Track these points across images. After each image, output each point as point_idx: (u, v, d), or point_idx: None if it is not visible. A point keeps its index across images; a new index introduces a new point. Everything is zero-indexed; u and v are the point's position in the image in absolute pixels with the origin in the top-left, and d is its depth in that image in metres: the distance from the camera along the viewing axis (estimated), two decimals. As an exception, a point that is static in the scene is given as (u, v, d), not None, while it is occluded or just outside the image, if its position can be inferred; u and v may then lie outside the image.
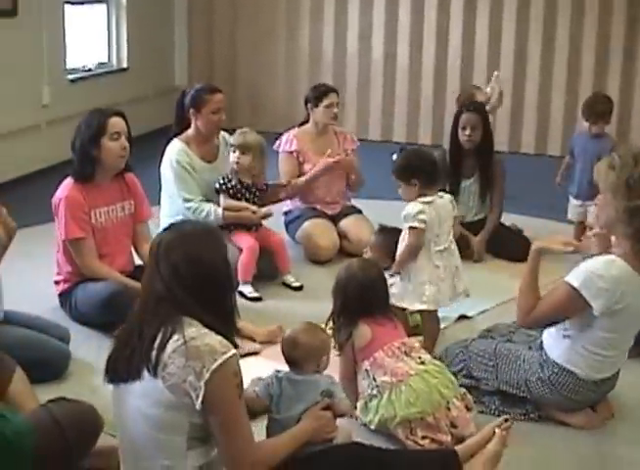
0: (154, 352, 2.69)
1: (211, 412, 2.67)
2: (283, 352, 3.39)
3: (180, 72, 10.00)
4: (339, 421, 3.32)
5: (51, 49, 7.87)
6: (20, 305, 4.43)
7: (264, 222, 5.49)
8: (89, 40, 8.88)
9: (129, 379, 2.76)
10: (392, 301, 3.98)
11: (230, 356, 2.66)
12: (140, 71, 9.19)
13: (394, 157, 4.36)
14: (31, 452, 2.98)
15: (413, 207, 4.23)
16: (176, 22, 9.87)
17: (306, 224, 5.85)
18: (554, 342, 3.72)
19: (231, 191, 5.29)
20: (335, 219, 5.96)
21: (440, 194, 4.35)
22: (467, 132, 5.79)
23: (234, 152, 5.30)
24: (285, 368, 3.40)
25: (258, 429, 3.18)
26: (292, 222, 5.97)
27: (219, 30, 9.83)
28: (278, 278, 5.42)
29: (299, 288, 5.34)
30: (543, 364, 3.73)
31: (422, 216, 4.19)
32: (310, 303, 5.07)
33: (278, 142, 5.99)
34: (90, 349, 4.47)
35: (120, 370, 2.80)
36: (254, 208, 5.31)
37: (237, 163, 5.28)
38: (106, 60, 9.07)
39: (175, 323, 2.70)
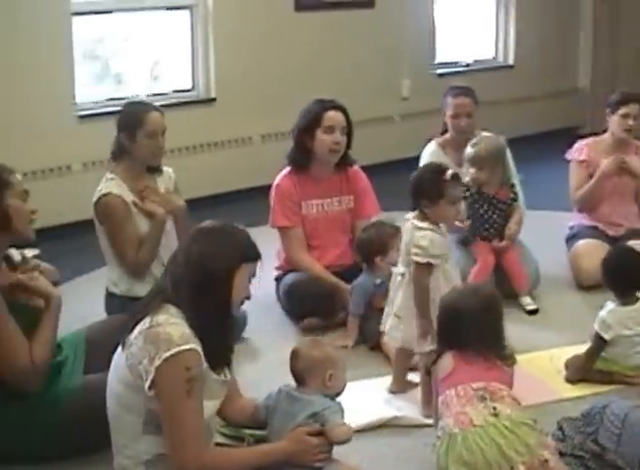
0: (128, 330, 2.76)
1: (158, 401, 2.66)
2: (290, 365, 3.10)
3: (583, 75, 9.38)
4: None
5: (414, 41, 7.82)
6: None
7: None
8: (474, 35, 8.69)
9: (113, 352, 2.87)
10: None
11: (185, 350, 2.64)
12: (528, 70, 8.76)
13: None
14: None
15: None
16: (581, 22, 9.25)
17: (579, 244, 5.21)
18: None
19: (469, 200, 4.84)
20: (616, 242, 5.22)
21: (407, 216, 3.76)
22: None
23: (469, 166, 4.83)
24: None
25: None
26: (570, 239, 5.36)
27: (625, 34, 9.09)
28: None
29: (533, 312, 4.75)
30: None
31: None
32: (536, 329, 4.52)
33: (569, 150, 5.39)
34: (268, 337, 4.50)
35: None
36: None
37: (473, 178, 4.82)
38: (491, 56, 8.80)
39: (154, 307, 2.73)
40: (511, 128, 8.47)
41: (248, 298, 2.89)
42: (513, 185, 4.91)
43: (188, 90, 6.80)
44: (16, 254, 3.43)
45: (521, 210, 4.92)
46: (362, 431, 3.54)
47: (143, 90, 6.61)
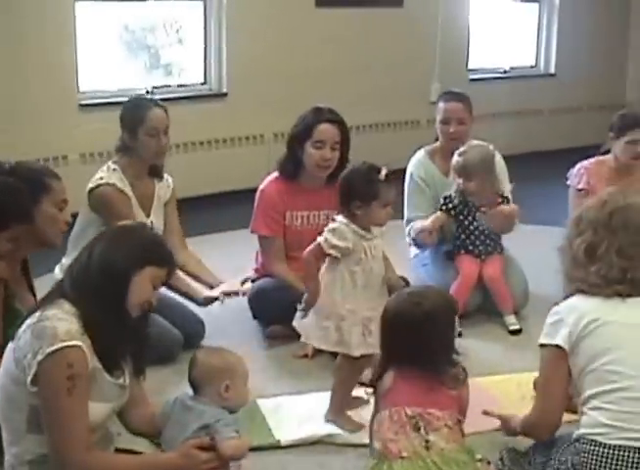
0: (20, 323, 2.71)
1: (39, 397, 2.59)
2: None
3: (631, 88, 8.98)
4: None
5: (445, 44, 7.56)
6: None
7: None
8: (513, 42, 8.40)
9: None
10: None
11: (69, 346, 2.56)
12: (570, 80, 8.43)
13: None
14: None
15: None
16: (631, 31, 8.86)
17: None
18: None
19: (452, 212, 4.58)
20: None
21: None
22: None
23: (456, 176, 4.56)
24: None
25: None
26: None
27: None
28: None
29: (515, 332, 4.49)
30: (572, 450, 2.74)
31: None
32: (515, 350, 4.29)
33: (570, 171, 5.05)
34: (228, 342, 4.16)
35: None
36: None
37: (461, 189, 4.56)
38: (531, 63, 8.50)
39: (48, 302, 2.69)
40: (549, 139, 8.21)
41: (150, 303, 2.76)
42: (501, 192, 4.62)
43: (200, 84, 6.66)
44: None
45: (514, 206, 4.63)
46: (294, 446, 3.41)
47: (154, 82, 6.48)
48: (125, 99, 6.07)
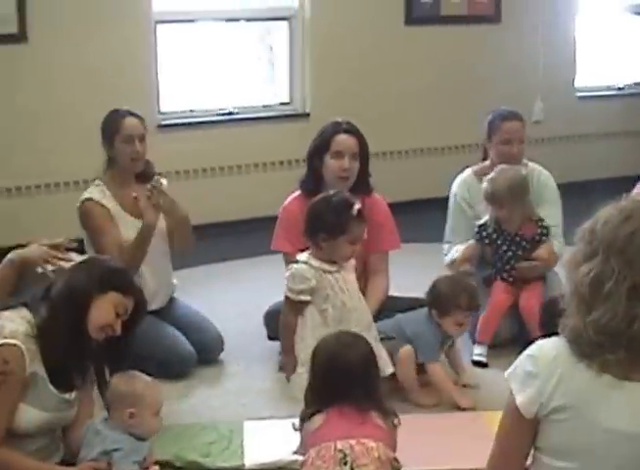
0: None
1: None
2: None
3: None
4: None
5: (548, 60, 7.22)
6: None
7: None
8: (631, 56, 7.96)
9: None
10: None
11: (9, 344, 2.74)
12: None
13: None
14: None
15: None
16: None
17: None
18: None
19: (486, 240, 4.43)
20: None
21: None
22: None
23: (487, 204, 4.43)
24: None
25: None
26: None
27: None
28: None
29: (545, 364, 4.25)
30: None
31: None
32: None
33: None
34: (246, 361, 4.39)
35: None
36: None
37: (494, 217, 4.42)
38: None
39: (11, 307, 2.90)
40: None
41: (112, 329, 2.90)
42: (541, 220, 4.43)
43: (285, 103, 6.69)
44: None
45: (551, 245, 4.43)
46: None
47: (235, 102, 6.54)
48: (204, 119, 6.26)
